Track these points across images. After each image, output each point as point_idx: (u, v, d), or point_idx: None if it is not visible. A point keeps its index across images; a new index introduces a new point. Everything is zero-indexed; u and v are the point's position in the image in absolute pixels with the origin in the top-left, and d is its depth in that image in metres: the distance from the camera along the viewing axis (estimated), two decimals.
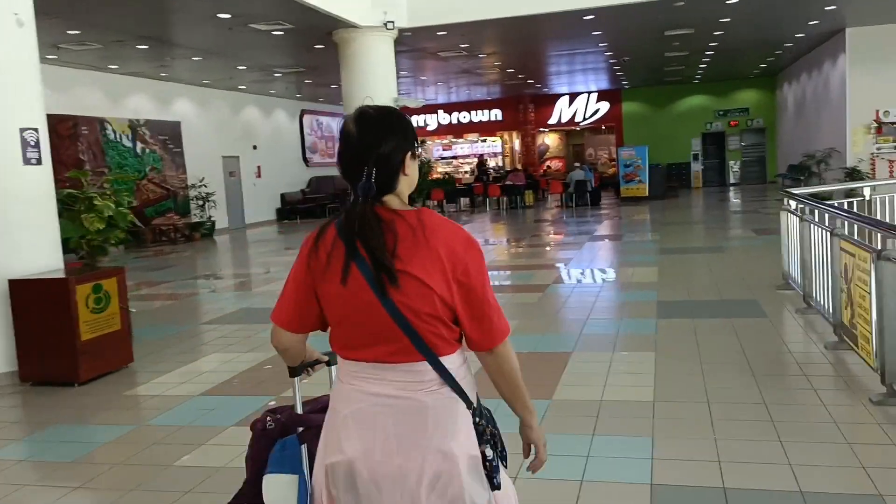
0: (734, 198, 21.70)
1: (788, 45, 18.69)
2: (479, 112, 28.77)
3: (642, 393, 4.60)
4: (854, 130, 16.61)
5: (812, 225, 6.19)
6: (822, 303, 5.92)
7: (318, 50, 15.29)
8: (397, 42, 14.07)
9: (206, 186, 19.19)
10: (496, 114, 28.73)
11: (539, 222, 18.01)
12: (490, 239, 14.72)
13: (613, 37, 16.13)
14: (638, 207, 19.82)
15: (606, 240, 13.32)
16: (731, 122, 26.66)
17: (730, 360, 5.16)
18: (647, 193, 21.56)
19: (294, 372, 2.10)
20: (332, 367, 2.14)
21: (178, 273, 12.20)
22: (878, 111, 16.36)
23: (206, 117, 20.17)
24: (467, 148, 30.68)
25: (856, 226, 5.57)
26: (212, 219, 19.32)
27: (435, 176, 24.34)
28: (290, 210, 23.37)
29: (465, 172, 28.57)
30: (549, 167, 30.60)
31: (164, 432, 4.51)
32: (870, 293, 4.29)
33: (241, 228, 20.99)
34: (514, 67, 20.59)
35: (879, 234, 4.09)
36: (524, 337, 6.16)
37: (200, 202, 19.16)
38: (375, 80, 13.49)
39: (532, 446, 1.85)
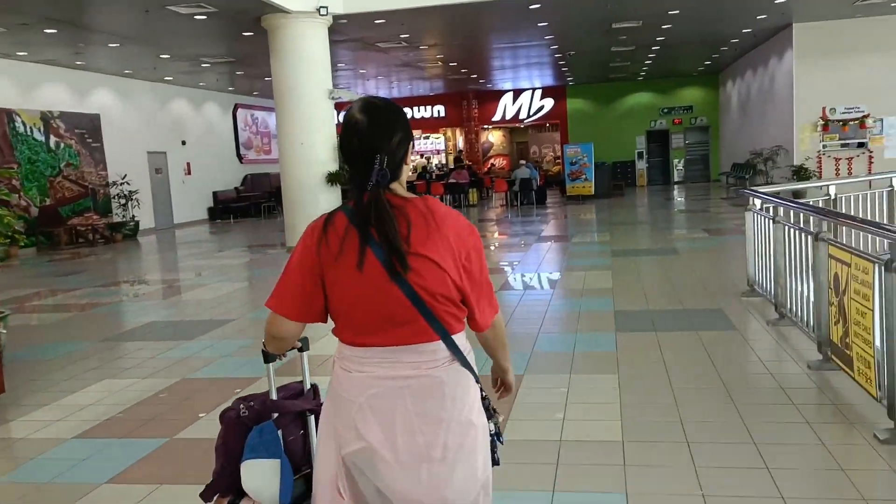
0: (679, 196, 21.45)
1: (734, 41, 18.45)
2: (422, 108, 27.91)
3: (609, 430, 3.86)
4: (801, 128, 16.42)
5: (787, 227, 5.59)
6: (800, 315, 5.32)
7: (247, 38, 14.23)
8: (332, 30, 13.13)
9: (129, 184, 17.87)
10: (439, 110, 27.93)
11: (483, 222, 17.30)
12: None
13: (559, 29, 15.52)
14: (584, 206, 19.33)
15: (554, 241, 12.68)
16: (675, 120, 26.52)
17: (704, 385, 4.48)
18: (593, 192, 21.11)
19: (268, 358, 2.05)
20: (305, 353, 2.18)
21: (91, 279, 11.02)
22: (824, 108, 16.20)
23: (128, 110, 18.79)
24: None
25: (844, 229, 4.96)
26: (135, 218, 18.00)
27: None
28: (223, 209, 22.14)
29: (409, 171, 27.67)
30: (493, 165, 30.01)
31: (17, 494, 3.55)
32: (873, 310, 3.65)
33: (169, 229, 19.68)
34: (457, 61, 19.83)
35: (887, 242, 3.42)
36: None
37: (123, 201, 17.83)
38: (309, 69, 12.53)
39: (502, 382, 2.11)
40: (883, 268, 3.47)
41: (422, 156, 28.98)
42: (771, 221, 5.96)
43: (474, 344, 1.89)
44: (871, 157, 16.09)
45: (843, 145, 16.29)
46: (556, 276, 9.07)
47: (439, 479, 1.71)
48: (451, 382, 1.75)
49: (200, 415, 4.51)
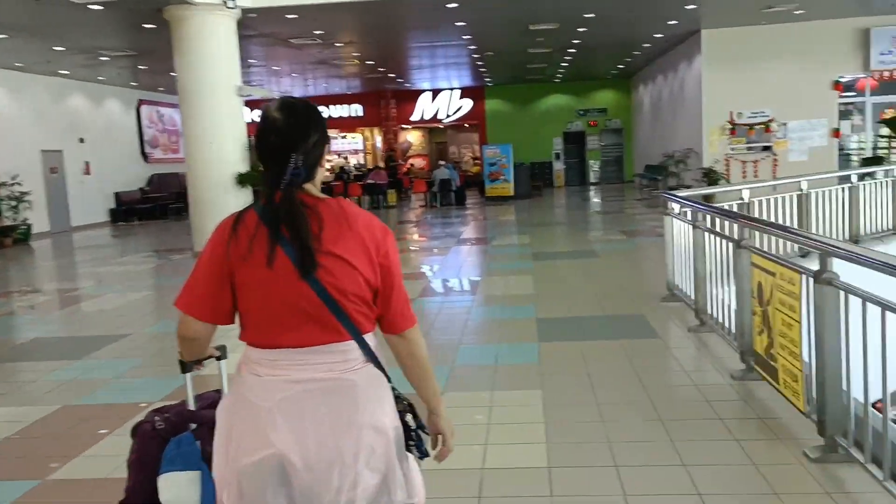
0: (595, 197, 21.74)
1: (646, 46, 18.79)
2: (339, 107, 27.30)
3: (534, 455, 3.61)
4: (710, 131, 16.85)
5: (707, 233, 5.52)
6: (721, 321, 5.24)
7: (148, 30, 13.40)
8: (242, 24, 12.50)
9: (20, 184, 16.59)
10: (356, 109, 27.39)
11: (402, 224, 16.98)
12: None
13: (477, 29, 15.36)
14: (504, 207, 19.28)
15: (474, 243, 12.49)
16: (591, 122, 26.92)
17: (630, 400, 4.30)
18: (512, 192, 21.12)
19: (186, 368, 2.00)
20: (223, 361, 2.14)
21: None
22: (731, 113, 16.67)
23: (19, 106, 17.46)
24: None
25: (766, 237, 4.90)
26: (27, 221, 16.75)
27: None
28: (127, 211, 20.95)
29: (326, 170, 27.06)
30: (412, 165, 29.71)
31: None
32: (800, 323, 3.54)
33: (66, 232, 18.42)
34: (375, 60, 19.42)
35: (818, 253, 3.31)
36: None
37: (13, 203, 16.53)
38: (215, 65, 11.86)
39: (440, 436, 1.92)
40: (812, 280, 3.35)
41: (339, 155, 28.37)
42: (690, 227, 5.89)
43: (391, 362, 1.85)
44: (775, 161, 16.67)
45: (749, 148, 16.80)
46: (476, 281, 8.84)
47: (350, 480, 1.69)
48: (365, 385, 1.74)
49: (83, 450, 4.00)
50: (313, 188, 1.79)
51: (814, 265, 3.66)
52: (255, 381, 1.72)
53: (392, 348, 1.86)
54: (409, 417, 1.85)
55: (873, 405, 3.09)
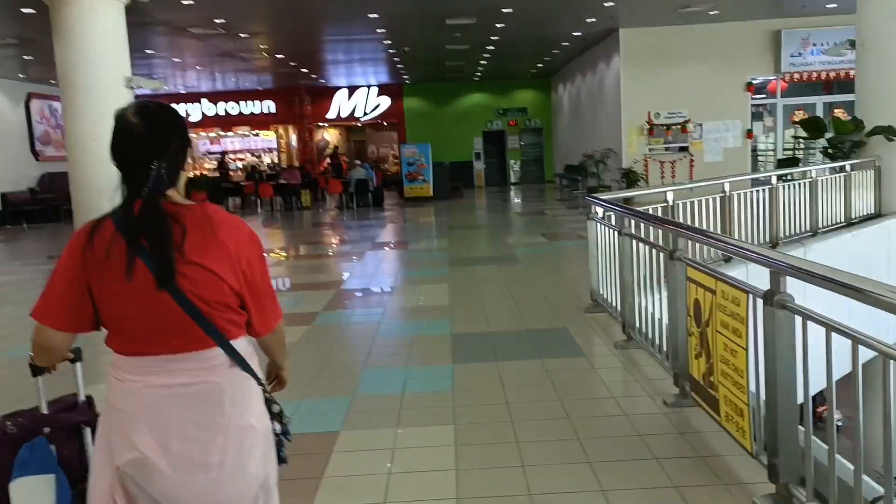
0: (516, 198, 21.44)
1: (565, 45, 18.57)
2: (250, 103, 26.04)
3: None
4: (628, 131, 16.73)
5: (634, 241, 5.06)
6: (651, 338, 4.78)
7: (29, 16, 12.14)
8: (134, 11, 11.41)
9: None
10: (269, 105, 26.19)
11: (315, 226, 16.14)
12: None
13: (392, 22, 14.69)
14: (423, 209, 18.68)
15: (390, 248, 11.83)
16: (511, 122, 26.67)
17: (554, 436, 3.75)
18: (431, 193, 20.54)
19: (37, 371, 1.97)
20: (77, 364, 2.16)
21: None
22: (649, 113, 16.60)
23: None
24: (238, 143, 27.84)
25: (702, 246, 4.44)
26: None
27: (198, 173, 21.47)
28: (14, 213, 19.22)
29: (237, 169, 25.79)
30: (330, 164, 28.73)
31: None
32: (746, 350, 3.06)
33: None
34: (285, 54, 18.44)
35: (769, 271, 2.82)
36: None
37: None
38: (100, 54, 10.69)
39: (277, 377, 2.05)
40: (762, 301, 2.87)
41: (252, 153, 27.15)
42: (616, 233, 5.43)
43: None
44: (692, 161, 16.70)
45: (667, 149, 16.78)
46: (388, 291, 8.19)
47: (216, 485, 1.69)
48: (231, 387, 1.73)
49: None
50: (176, 194, 1.76)
51: (759, 282, 3.21)
52: (118, 388, 1.72)
53: (261, 345, 1.91)
54: (276, 424, 1.85)
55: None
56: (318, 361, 5.31)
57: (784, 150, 17.27)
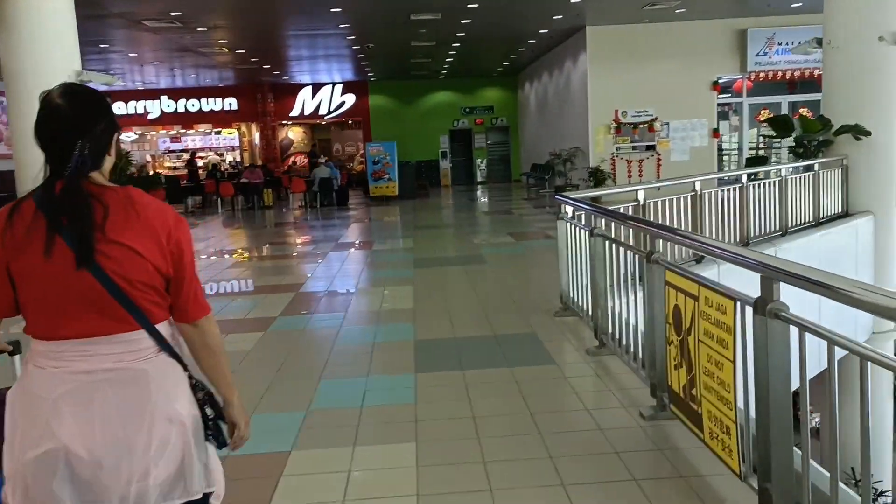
0: (483, 197, 21.20)
1: (532, 42, 18.36)
2: (211, 100, 25.36)
3: None
4: (596, 130, 16.58)
5: (607, 242, 4.80)
6: (625, 344, 4.52)
7: None
8: (83, 3, 10.85)
9: None
10: (231, 103, 25.53)
11: (276, 226, 15.69)
12: (211, 249, 12.07)
13: (356, 17, 14.30)
14: (388, 208, 18.33)
15: (354, 248, 11.47)
16: (477, 121, 26.41)
17: (525, 454, 3.46)
18: (397, 192, 20.18)
19: None
20: (17, 356, 2.16)
21: None
22: (616, 111, 16.46)
23: None
24: (200, 140, 27.13)
25: (681, 249, 4.19)
26: None
27: (153, 171, 20.81)
28: None
29: (199, 168, 25.09)
30: (294, 163, 28.17)
31: None
32: (734, 362, 2.80)
33: None
34: (246, 49, 17.91)
35: (759, 277, 2.56)
36: None
37: None
38: (48, 47, 10.15)
39: (234, 425, 1.92)
40: (752, 310, 2.61)
41: (214, 151, 26.47)
42: (587, 233, 5.16)
43: None
44: (659, 160, 16.62)
45: (634, 148, 16.67)
46: (350, 293, 7.84)
47: (140, 471, 1.65)
48: (157, 374, 1.71)
49: None
50: (100, 176, 1.76)
51: (733, 282, 2.97)
52: (39, 374, 1.68)
53: (185, 338, 1.84)
54: (208, 408, 1.82)
55: None
56: (271, 372, 4.95)
57: (750, 148, 17.30)
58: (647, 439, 3.57)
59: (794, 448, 2.63)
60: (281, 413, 4.20)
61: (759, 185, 9.09)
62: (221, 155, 27.10)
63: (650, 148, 16.67)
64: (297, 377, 4.86)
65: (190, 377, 1.80)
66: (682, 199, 7.76)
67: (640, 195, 6.96)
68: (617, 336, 4.71)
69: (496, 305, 6.68)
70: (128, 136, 25.91)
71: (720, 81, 16.54)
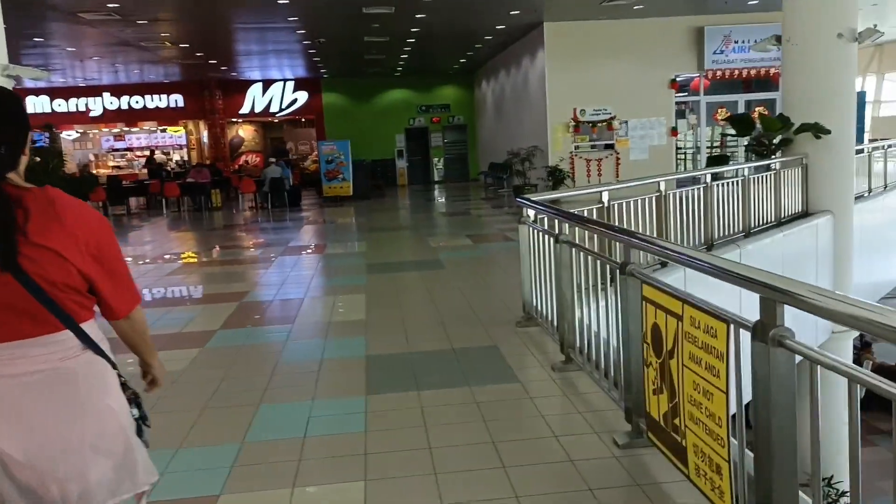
0: (440, 197, 20.80)
1: (488, 38, 18.02)
2: (156, 97, 24.41)
3: None
4: (554, 129, 16.31)
5: (574, 249, 4.43)
6: (595, 361, 4.15)
7: None
8: None
9: None
10: (176, 99, 24.61)
11: (223, 229, 15.03)
12: (151, 254, 11.40)
13: (305, 10, 13.74)
14: (342, 209, 17.78)
15: (304, 253, 10.93)
16: (434, 119, 26.00)
17: (489, 493, 3.05)
18: (351, 192, 19.62)
19: None
20: None
21: None
22: (575, 110, 16.22)
23: None
24: (145, 139, 26.14)
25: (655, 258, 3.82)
26: None
27: (98, 171, 19.87)
28: None
29: (142, 167, 24.14)
30: (246, 162, 27.35)
31: None
32: (727, 393, 2.44)
33: None
34: (191, 43, 17.18)
35: (758, 296, 2.19)
36: None
37: None
38: None
39: (155, 382, 2.07)
40: (751, 335, 2.24)
41: (156, 151, 25.50)
42: (552, 240, 4.78)
43: None
44: (618, 159, 16.43)
45: (592, 147, 16.45)
46: (297, 303, 7.33)
47: (78, 469, 1.66)
48: (85, 372, 1.72)
49: None
50: (17, 177, 1.73)
51: (720, 296, 2.62)
52: None
53: (116, 330, 1.87)
54: (135, 409, 1.83)
55: None
56: (204, 397, 4.45)
57: (708, 147, 17.24)
58: (624, 472, 3.19)
59: (801, 494, 2.27)
60: (212, 447, 3.71)
61: (722, 184, 8.87)
62: (168, 154, 26.15)
63: (609, 147, 16.47)
64: (234, 402, 4.37)
65: (119, 375, 1.81)
66: (647, 200, 7.46)
67: (605, 197, 6.63)
68: (585, 350, 4.34)
69: (454, 315, 6.27)
70: (69, 135, 24.83)
71: (678, 79, 16.44)
